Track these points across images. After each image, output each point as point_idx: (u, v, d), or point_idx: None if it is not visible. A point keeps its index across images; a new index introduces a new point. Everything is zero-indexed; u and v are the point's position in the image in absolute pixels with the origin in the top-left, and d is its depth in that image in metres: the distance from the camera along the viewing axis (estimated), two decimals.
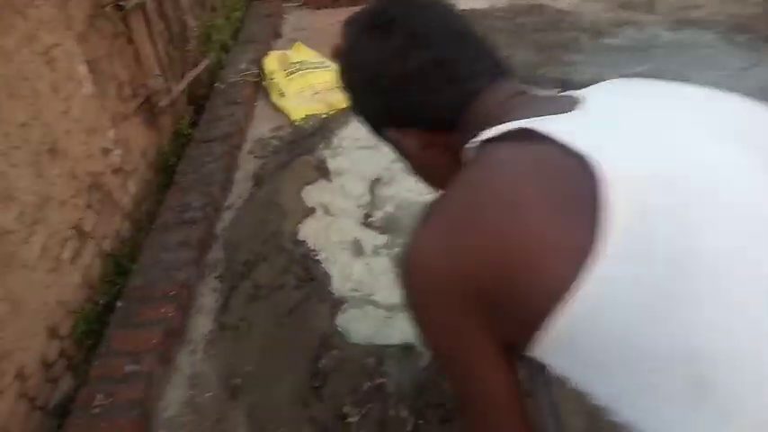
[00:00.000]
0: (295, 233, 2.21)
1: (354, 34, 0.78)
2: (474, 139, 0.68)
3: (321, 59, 3.55)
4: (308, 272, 2.02)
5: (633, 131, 0.62)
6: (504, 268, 0.57)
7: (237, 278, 2.17)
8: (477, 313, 0.61)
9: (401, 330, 1.84)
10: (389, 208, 2.32)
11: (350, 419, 1.65)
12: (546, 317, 0.55)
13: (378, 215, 2.30)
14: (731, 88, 0.70)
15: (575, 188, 0.57)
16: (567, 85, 2.85)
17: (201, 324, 2.10)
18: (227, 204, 2.63)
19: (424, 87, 0.73)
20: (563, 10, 4.10)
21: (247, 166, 2.86)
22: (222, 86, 3.33)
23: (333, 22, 4.25)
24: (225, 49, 3.70)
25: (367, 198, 2.39)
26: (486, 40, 0.78)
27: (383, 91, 0.76)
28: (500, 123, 0.67)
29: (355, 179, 2.49)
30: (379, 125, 0.82)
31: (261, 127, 3.13)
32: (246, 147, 3.00)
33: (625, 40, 3.64)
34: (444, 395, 1.62)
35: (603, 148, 0.58)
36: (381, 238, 2.19)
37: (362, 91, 0.80)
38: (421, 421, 1.60)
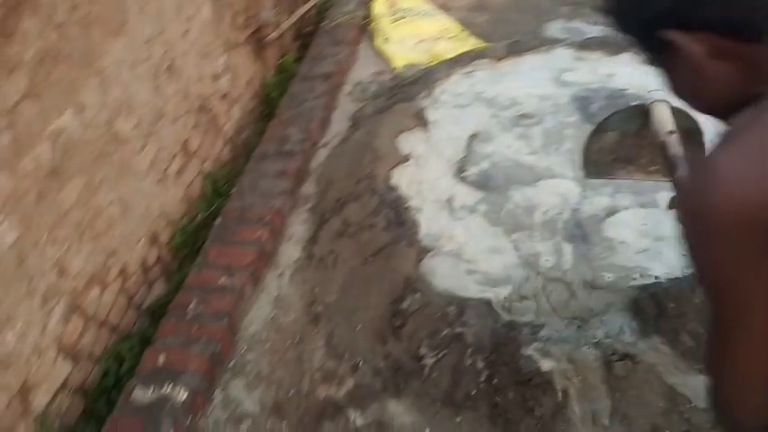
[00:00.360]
0: (388, 178, 2.22)
1: None
2: None
3: (430, 8, 3.47)
4: (399, 217, 2.04)
5: None
6: None
7: (328, 213, 2.22)
8: None
9: (485, 285, 1.84)
10: (485, 165, 2.28)
11: (425, 361, 1.69)
12: None
13: (472, 171, 2.27)
14: None
15: None
16: None
17: (291, 251, 2.18)
18: (323, 142, 2.68)
19: None
20: None
21: (345, 107, 2.89)
22: (329, 26, 3.35)
23: None
24: None
25: (463, 153, 2.36)
26: None
27: None
28: None
29: (453, 132, 2.46)
30: (656, 25, 0.70)
31: (362, 70, 3.14)
32: (346, 88, 3.02)
33: None
34: (519, 356, 1.62)
35: None
36: (474, 195, 2.17)
37: None
38: (495, 377, 1.62)
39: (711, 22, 0.65)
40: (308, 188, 2.44)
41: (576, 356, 1.58)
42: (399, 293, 1.81)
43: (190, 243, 2.32)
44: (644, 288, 1.67)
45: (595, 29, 3.30)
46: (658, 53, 0.73)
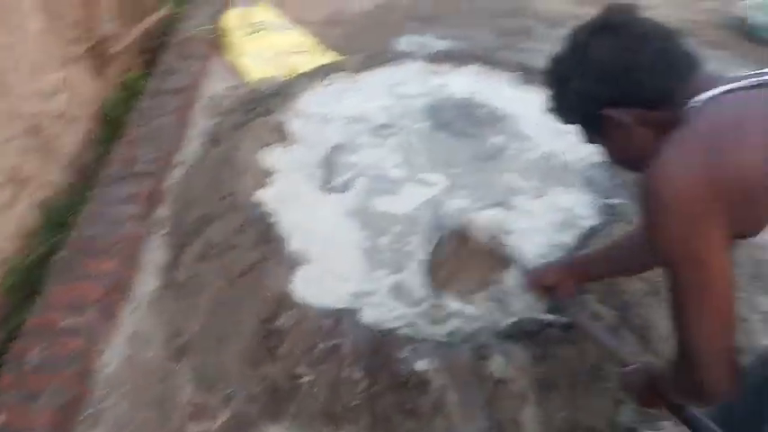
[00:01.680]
0: (252, 194, 2.14)
1: (585, 37, 1.00)
2: (697, 98, 0.91)
3: (284, 22, 3.44)
4: (265, 233, 1.97)
5: None
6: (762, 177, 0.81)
7: (188, 236, 2.09)
8: (723, 214, 0.84)
9: (358, 294, 1.84)
10: (349, 175, 2.29)
11: (303, 380, 1.64)
12: None
13: (337, 182, 2.27)
14: None
15: None
16: (525, 70, 2.90)
17: (146, 281, 2.02)
18: (177, 161, 2.53)
19: (649, 73, 0.94)
20: None
21: (200, 123, 2.75)
22: (178, 39, 3.18)
23: None
24: (183, 1, 3.52)
25: (326, 165, 2.35)
26: (682, 39, 0.99)
27: (616, 77, 0.96)
28: (708, 91, 0.91)
29: (315, 145, 2.45)
30: (596, 106, 0.99)
31: (216, 84, 3.02)
32: (200, 104, 2.88)
33: None
34: (395, 360, 1.63)
35: None
36: (340, 206, 2.17)
37: (591, 79, 0.98)
38: (374, 385, 1.61)
39: (637, 101, 0.96)
40: (164, 211, 2.28)
41: (450, 354, 1.62)
42: (272, 312, 1.75)
43: (26, 283, 2.05)
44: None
45: (443, 42, 3.50)
46: (596, 130, 1.03)
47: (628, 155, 1.05)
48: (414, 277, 1.90)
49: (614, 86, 0.96)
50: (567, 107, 1.06)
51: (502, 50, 3.41)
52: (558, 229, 2.05)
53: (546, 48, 3.59)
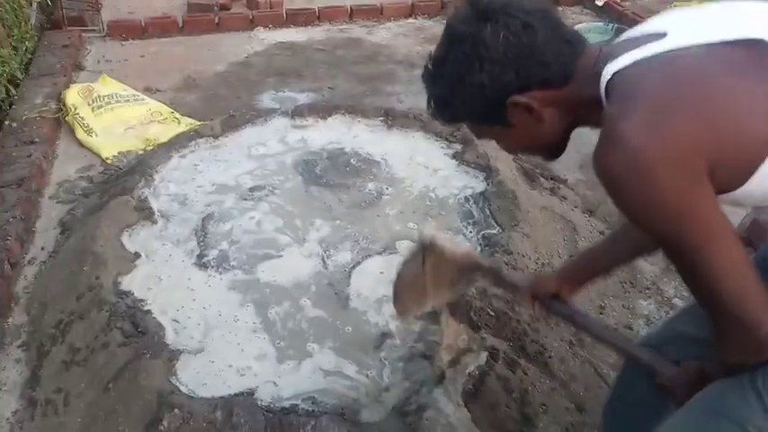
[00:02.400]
0: (117, 283, 1.96)
1: (471, 28, 0.92)
2: (606, 71, 0.87)
3: (133, 92, 3.26)
4: (137, 325, 1.79)
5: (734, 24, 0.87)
6: (725, 134, 0.80)
7: (48, 343, 1.85)
8: (704, 173, 0.80)
9: (248, 375, 1.72)
10: (225, 245, 2.18)
11: None
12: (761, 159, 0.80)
13: (213, 254, 2.14)
14: None
15: (751, 62, 0.82)
16: (390, 113, 2.97)
17: (4, 403, 1.74)
18: (28, 259, 2.26)
19: (549, 50, 0.91)
20: (378, 44, 4.30)
21: (51, 212, 2.50)
22: (14, 125, 2.89)
23: (143, 53, 3.96)
24: (14, 82, 3.23)
25: (199, 237, 2.22)
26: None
27: (513, 60, 0.91)
28: (614, 60, 0.87)
29: (183, 218, 2.31)
30: (502, 95, 0.94)
31: (65, 168, 2.77)
32: (49, 191, 2.62)
33: None
34: None
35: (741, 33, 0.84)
36: (220, 279, 2.04)
37: (494, 67, 0.91)
38: None
39: (539, 82, 0.93)
40: (17, 318, 2.01)
41: (358, 418, 1.55)
42: (154, 414, 1.57)
43: None
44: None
45: (304, 95, 3.50)
46: (498, 121, 0.98)
47: (536, 140, 1.01)
48: (311, 350, 1.82)
49: (519, 71, 0.91)
50: (463, 104, 0.98)
51: (365, 97, 3.47)
52: None
53: (410, 89, 3.70)
